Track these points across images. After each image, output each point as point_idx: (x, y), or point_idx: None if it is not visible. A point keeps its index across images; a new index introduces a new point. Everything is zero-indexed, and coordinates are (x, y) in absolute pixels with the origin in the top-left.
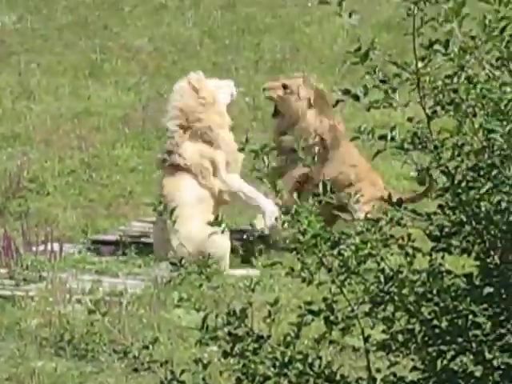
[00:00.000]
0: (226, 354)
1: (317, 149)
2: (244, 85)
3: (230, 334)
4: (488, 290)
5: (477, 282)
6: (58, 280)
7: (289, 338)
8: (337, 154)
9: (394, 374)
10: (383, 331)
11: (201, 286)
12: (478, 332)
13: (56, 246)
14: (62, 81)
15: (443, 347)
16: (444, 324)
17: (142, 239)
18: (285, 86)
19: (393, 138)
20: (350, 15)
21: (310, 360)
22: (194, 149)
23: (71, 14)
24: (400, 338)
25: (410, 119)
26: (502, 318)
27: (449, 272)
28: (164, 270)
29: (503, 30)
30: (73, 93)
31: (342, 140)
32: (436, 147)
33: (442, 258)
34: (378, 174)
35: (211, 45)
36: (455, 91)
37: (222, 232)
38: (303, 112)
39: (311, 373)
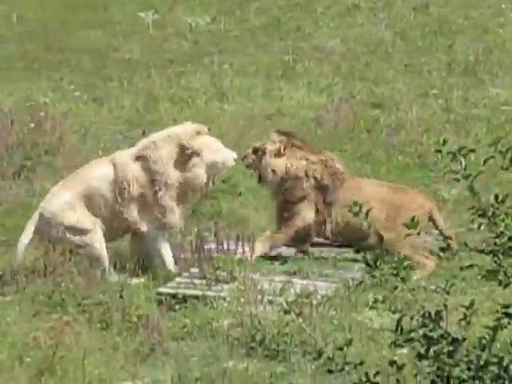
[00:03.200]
0: (420, 357)
1: (310, 191)
2: (437, 87)
3: (424, 336)
4: None
5: None
6: (249, 280)
7: (484, 341)
8: (342, 194)
9: None
10: None
11: (396, 288)
12: None
13: (248, 247)
14: (254, 82)
15: None
16: None
17: None
18: (255, 150)
19: None
20: None
21: (505, 363)
22: None
23: (264, 16)
24: None
25: None
26: None
27: None
28: (355, 271)
29: None
30: (265, 94)
31: (345, 176)
32: None
33: None
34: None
35: (403, 46)
36: None
37: None
38: (275, 165)
39: (506, 376)
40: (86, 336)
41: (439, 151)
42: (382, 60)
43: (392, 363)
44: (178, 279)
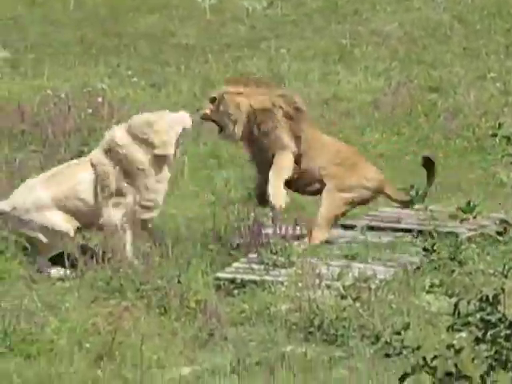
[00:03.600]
0: (478, 341)
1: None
2: (495, 70)
3: (482, 320)
4: None
5: None
6: (307, 265)
7: None
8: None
9: None
10: None
11: (453, 272)
12: None
13: (305, 231)
14: (311, 66)
15: None
16: None
17: (392, 225)
18: (212, 100)
19: None
20: None
21: None
22: None
23: (321, 0)
24: None
25: None
26: None
27: None
28: (414, 255)
29: None
30: (322, 78)
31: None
32: None
33: None
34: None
35: (461, 29)
36: None
37: None
38: (238, 103)
39: None
40: (144, 321)
41: (495, 135)
42: (440, 43)
43: (450, 347)
44: (236, 264)
